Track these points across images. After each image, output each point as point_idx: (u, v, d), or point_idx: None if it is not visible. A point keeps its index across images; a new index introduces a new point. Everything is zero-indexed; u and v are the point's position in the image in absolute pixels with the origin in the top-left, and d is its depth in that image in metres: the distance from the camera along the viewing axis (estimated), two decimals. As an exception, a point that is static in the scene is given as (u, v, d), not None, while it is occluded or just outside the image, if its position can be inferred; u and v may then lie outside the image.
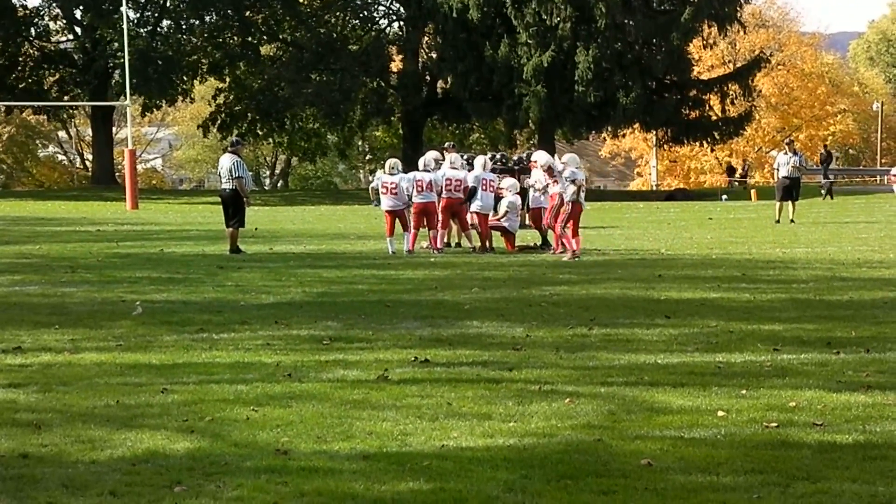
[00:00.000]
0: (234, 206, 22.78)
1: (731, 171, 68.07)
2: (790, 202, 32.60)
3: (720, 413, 8.74)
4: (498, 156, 30.75)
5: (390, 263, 20.85)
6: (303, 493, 6.81)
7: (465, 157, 27.02)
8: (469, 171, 23.96)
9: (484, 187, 23.32)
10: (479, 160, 24.15)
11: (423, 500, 6.70)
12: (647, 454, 7.60)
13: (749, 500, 6.71)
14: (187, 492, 6.83)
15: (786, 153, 33.40)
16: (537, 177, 24.17)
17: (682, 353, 11.38)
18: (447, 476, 7.13)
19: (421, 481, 7.03)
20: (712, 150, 68.16)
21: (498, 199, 24.19)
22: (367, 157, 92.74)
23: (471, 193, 23.23)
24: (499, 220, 23.87)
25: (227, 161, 22.92)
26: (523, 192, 25.40)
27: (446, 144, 26.83)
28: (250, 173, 24.17)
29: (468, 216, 23.48)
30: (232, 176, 22.58)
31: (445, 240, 23.77)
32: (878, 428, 8.35)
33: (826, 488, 6.91)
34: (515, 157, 31.73)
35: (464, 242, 24.09)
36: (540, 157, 25.09)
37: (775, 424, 8.39)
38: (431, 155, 24.21)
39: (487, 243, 23.40)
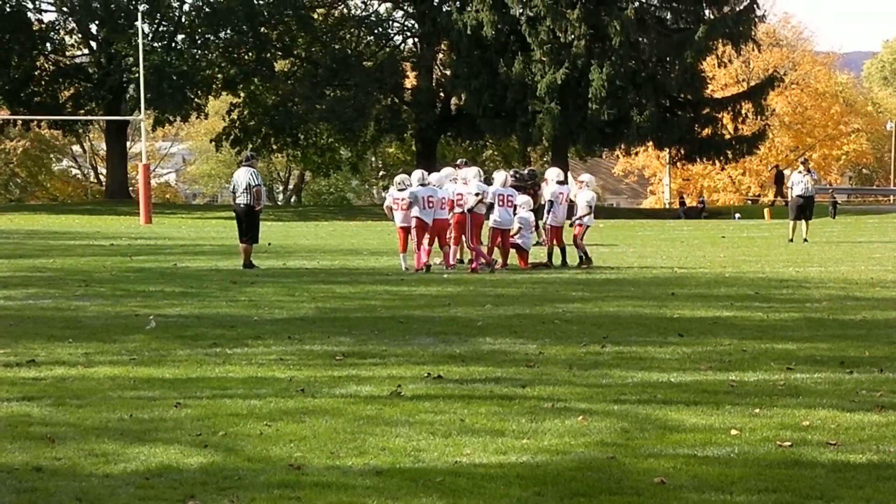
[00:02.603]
0: (247, 220, 22.81)
1: (682, 203, 67.85)
2: (804, 221, 32.58)
3: (733, 431, 8.73)
4: (511, 171, 30.63)
5: (403, 279, 20.86)
6: (316, 508, 6.83)
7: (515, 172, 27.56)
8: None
9: (501, 203, 23.25)
10: (500, 175, 24.09)
11: (436, 516, 6.71)
12: (660, 472, 7.59)
13: (762, 519, 6.71)
14: (201, 506, 6.85)
15: (800, 172, 33.37)
16: (549, 193, 24.33)
17: (696, 371, 11.37)
18: (460, 492, 7.13)
19: (434, 497, 7.03)
20: (723, 169, 68.07)
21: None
22: (380, 174, 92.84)
23: (488, 208, 23.15)
24: (512, 237, 23.87)
25: (243, 174, 22.96)
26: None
27: (458, 161, 26.80)
28: (264, 188, 24.17)
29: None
30: (249, 187, 22.59)
31: (458, 256, 23.75)
32: (891, 448, 8.33)
33: (840, 508, 6.90)
34: (525, 172, 31.61)
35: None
36: (552, 173, 25.24)
37: (789, 443, 8.37)
38: (447, 172, 24.22)
39: (501, 259, 23.43)
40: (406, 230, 22.79)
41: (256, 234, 23.00)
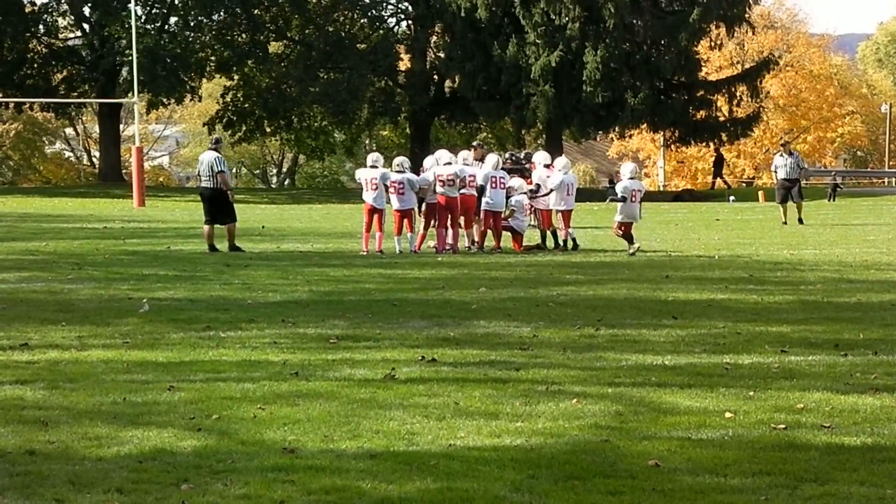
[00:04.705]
0: (216, 204, 22.76)
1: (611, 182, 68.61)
2: (793, 203, 32.53)
3: (728, 414, 8.72)
4: (507, 154, 30.65)
5: (397, 262, 20.84)
6: (310, 491, 6.81)
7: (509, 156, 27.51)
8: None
9: (494, 185, 23.28)
10: (491, 158, 24.14)
11: (429, 499, 6.69)
12: (654, 455, 7.58)
13: (756, 502, 6.70)
14: (194, 490, 6.83)
15: (782, 155, 33.37)
16: (538, 177, 24.42)
17: (690, 354, 11.37)
18: (454, 475, 7.12)
19: (428, 480, 7.02)
20: (717, 151, 68.20)
21: (508, 198, 24.23)
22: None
23: (480, 191, 23.18)
24: (506, 219, 23.86)
25: (208, 158, 22.94)
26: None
27: (475, 143, 26.81)
28: (229, 172, 24.15)
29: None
30: (213, 172, 22.63)
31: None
32: (886, 430, 8.34)
33: (834, 490, 6.89)
34: (510, 155, 31.59)
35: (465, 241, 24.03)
36: (540, 156, 25.33)
37: (783, 426, 8.37)
38: (442, 154, 24.16)
39: (494, 241, 23.48)
40: (402, 213, 22.78)
41: (233, 212, 22.92)
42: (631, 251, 22.26)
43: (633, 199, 22.67)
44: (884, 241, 26.42)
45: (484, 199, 23.20)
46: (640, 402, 9.17)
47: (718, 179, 66.09)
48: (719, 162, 66.53)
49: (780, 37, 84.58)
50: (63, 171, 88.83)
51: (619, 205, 22.67)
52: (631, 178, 22.95)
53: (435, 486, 6.92)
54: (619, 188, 22.89)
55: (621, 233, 22.68)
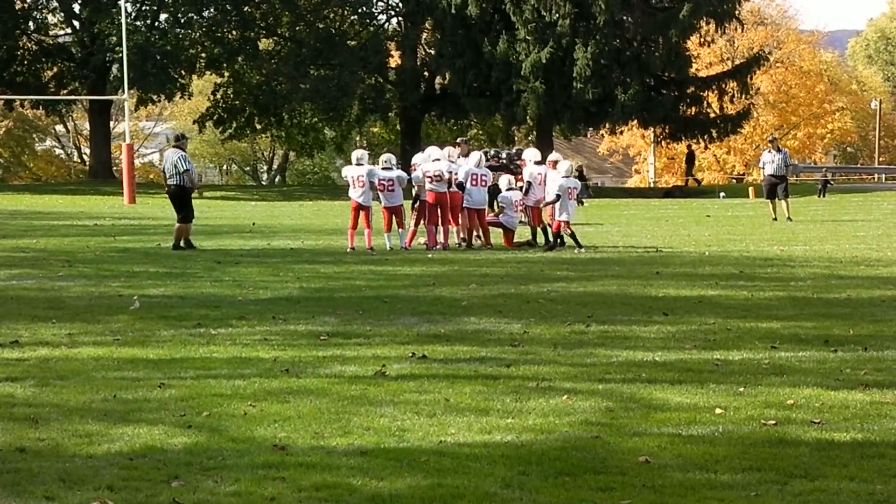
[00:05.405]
0: (179, 201, 22.77)
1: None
2: (781, 200, 32.60)
3: (718, 410, 8.73)
4: (492, 152, 30.70)
5: (388, 259, 20.84)
6: (300, 488, 6.81)
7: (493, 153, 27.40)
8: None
9: (474, 182, 23.26)
10: (474, 155, 24.11)
11: (420, 495, 6.69)
12: (644, 451, 7.59)
13: (747, 498, 6.71)
14: (185, 487, 6.82)
15: (770, 151, 33.43)
16: (526, 174, 24.44)
17: (680, 350, 11.38)
18: (445, 472, 7.12)
19: (418, 477, 7.02)
20: (706, 148, 68.28)
21: (495, 194, 24.24)
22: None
23: (460, 187, 23.16)
24: (496, 216, 23.87)
25: (171, 156, 22.94)
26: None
27: (458, 140, 26.88)
28: (194, 170, 24.14)
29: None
30: (177, 171, 22.63)
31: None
32: (875, 426, 8.35)
33: (824, 486, 6.90)
34: (496, 152, 31.65)
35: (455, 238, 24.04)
36: (530, 153, 25.34)
37: (773, 422, 8.38)
38: (432, 150, 24.17)
39: (483, 238, 23.47)
40: (391, 210, 22.79)
41: (190, 213, 22.87)
42: (579, 251, 22.20)
43: (570, 196, 22.63)
44: (873, 237, 26.48)
45: (464, 197, 23.21)
46: (630, 399, 9.18)
47: (690, 177, 66.72)
48: (690, 159, 66.95)
49: (770, 33, 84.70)
50: (53, 168, 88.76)
51: (557, 204, 22.49)
52: (565, 177, 22.79)
53: (425, 482, 6.92)
54: (553, 187, 22.72)
55: (570, 231, 22.56)
